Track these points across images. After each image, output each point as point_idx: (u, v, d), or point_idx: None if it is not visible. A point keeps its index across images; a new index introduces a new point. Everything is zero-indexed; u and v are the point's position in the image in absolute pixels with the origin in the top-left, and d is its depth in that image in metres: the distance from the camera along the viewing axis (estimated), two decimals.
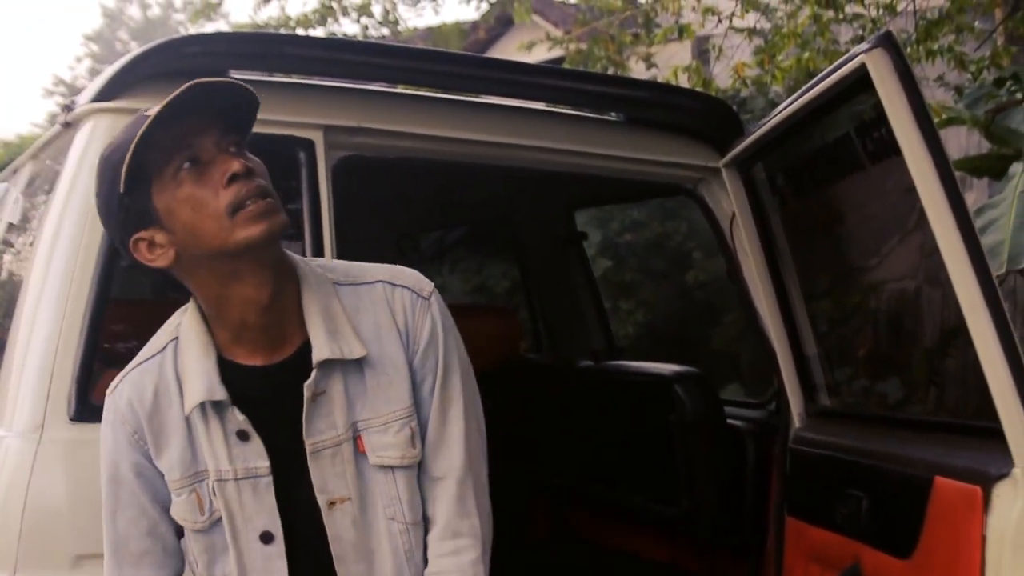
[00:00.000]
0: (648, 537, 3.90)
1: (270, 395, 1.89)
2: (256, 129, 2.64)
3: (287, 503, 1.91)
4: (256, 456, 1.88)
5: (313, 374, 1.87)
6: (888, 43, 2.21)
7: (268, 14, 11.05)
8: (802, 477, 3.03)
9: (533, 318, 4.86)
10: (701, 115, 3.29)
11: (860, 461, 2.72)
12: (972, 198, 7.91)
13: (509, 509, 4.52)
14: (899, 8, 6.32)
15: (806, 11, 6.43)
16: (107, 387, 1.96)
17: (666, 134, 3.31)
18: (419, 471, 1.96)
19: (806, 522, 2.94)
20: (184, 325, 1.91)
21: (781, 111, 2.79)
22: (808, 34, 6.39)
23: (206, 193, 1.77)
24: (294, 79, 2.96)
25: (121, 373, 1.93)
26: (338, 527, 1.90)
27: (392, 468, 1.92)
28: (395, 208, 4.72)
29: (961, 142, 7.83)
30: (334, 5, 10.41)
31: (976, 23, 6.69)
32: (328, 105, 2.86)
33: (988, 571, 2.18)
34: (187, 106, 1.75)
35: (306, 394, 1.86)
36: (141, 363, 1.91)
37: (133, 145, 1.72)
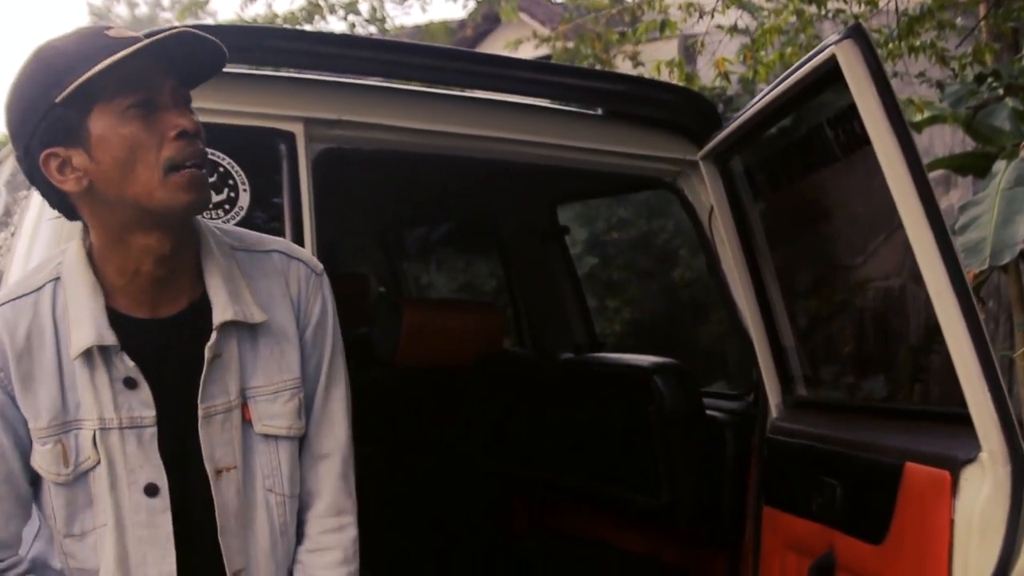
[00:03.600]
0: (628, 528, 3.92)
1: (154, 351, 1.83)
2: (237, 121, 2.70)
3: (174, 464, 1.83)
4: (141, 405, 1.80)
5: (214, 335, 1.83)
6: (858, 34, 2.24)
7: (255, 11, 11.09)
8: (779, 467, 3.06)
9: (516, 312, 4.88)
10: (679, 108, 3.30)
11: (834, 449, 2.75)
12: (957, 196, 7.94)
13: (490, 502, 4.57)
14: (881, 4, 6.35)
15: (789, 6, 6.46)
16: None
17: (645, 127, 3.33)
18: (301, 448, 1.96)
19: (783, 511, 2.97)
20: (68, 266, 1.82)
21: (755, 103, 2.82)
22: (791, 29, 6.41)
23: (149, 139, 1.71)
24: (275, 72, 2.98)
25: None
26: (224, 496, 1.85)
27: (276, 438, 1.89)
28: (377, 202, 4.73)
29: (946, 140, 7.86)
30: (321, 3, 10.42)
31: (958, 20, 6.72)
32: (309, 98, 2.87)
33: (956, 554, 2.21)
34: (160, 48, 1.71)
35: (207, 355, 1.82)
36: (14, 299, 1.80)
37: (99, 68, 1.66)
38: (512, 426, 4.37)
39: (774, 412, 3.14)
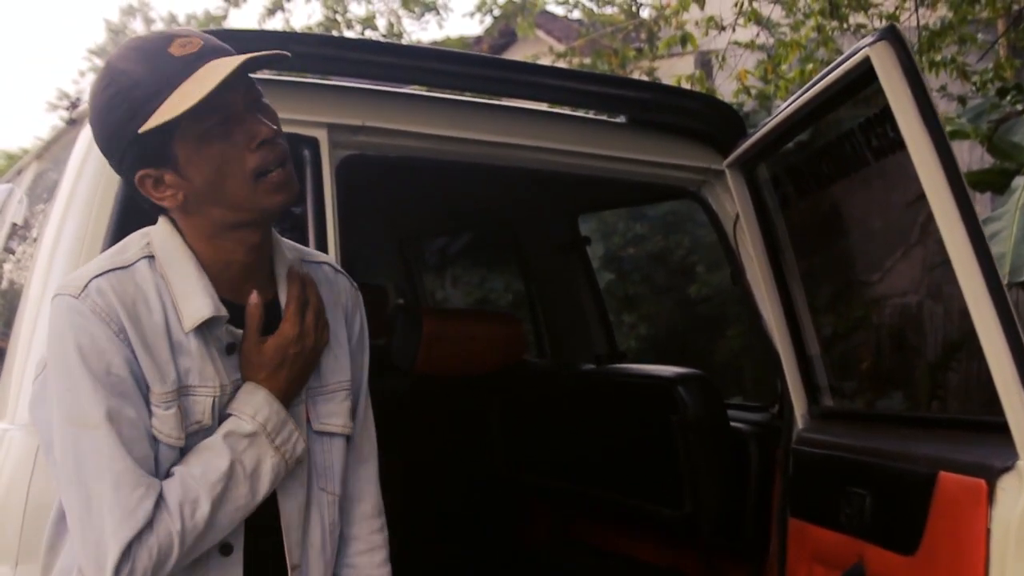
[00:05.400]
0: (649, 541, 3.88)
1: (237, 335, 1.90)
2: None
3: None
4: (237, 369, 1.89)
5: None
6: (892, 36, 2.22)
7: (273, 26, 11.11)
8: (805, 478, 3.02)
9: (536, 323, 4.86)
10: (704, 116, 3.28)
11: (863, 459, 2.72)
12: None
13: (509, 512, 4.54)
14: (902, 19, 6.33)
15: (810, 22, 6.44)
16: None
17: (669, 136, 3.31)
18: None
19: (809, 522, 2.93)
20: (164, 247, 1.87)
21: (784, 109, 2.79)
22: (811, 44, 6.40)
23: (233, 154, 1.78)
24: (299, 77, 2.97)
25: (83, 276, 1.82)
26: (288, 489, 1.91)
27: (332, 436, 1.97)
28: (397, 211, 4.72)
29: (964, 157, 7.83)
30: (338, 18, 10.48)
31: (979, 35, 6.70)
32: (333, 103, 2.86)
33: (993, 564, 2.17)
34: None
35: None
36: (112, 270, 1.83)
37: (175, 115, 1.71)
38: (532, 436, 4.34)
39: (800, 423, 3.10)
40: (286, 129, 2.68)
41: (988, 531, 2.18)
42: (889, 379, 3.26)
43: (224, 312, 1.84)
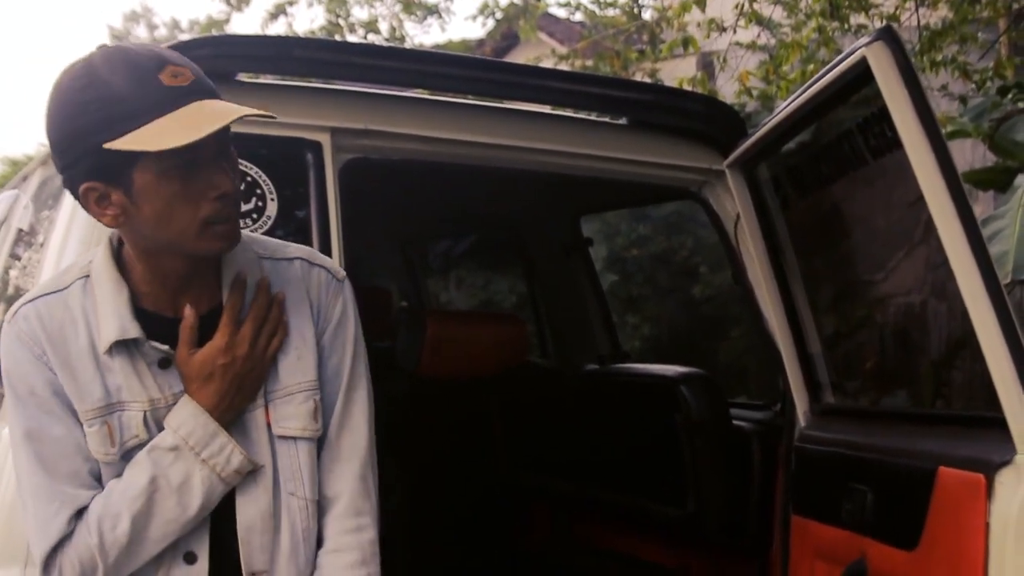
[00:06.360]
0: (653, 540, 3.90)
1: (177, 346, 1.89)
2: (264, 131, 2.71)
3: None
4: (179, 381, 1.87)
5: None
6: (888, 36, 2.23)
7: (275, 31, 11.15)
8: (807, 475, 3.04)
9: (539, 324, 4.87)
10: (704, 117, 3.30)
11: (864, 456, 2.73)
12: (978, 211, 7.88)
13: (513, 514, 4.56)
14: (903, 19, 6.35)
15: (811, 23, 6.46)
16: None
17: (670, 137, 3.33)
18: (322, 450, 1.96)
19: (812, 519, 2.95)
20: (97, 266, 1.89)
21: (783, 109, 2.81)
22: (813, 45, 6.41)
23: (189, 198, 1.76)
24: (302, 82, 2.99)
25: (20, 301, 1.88)
26: (249, 494, 1.89)
27: (295, 440, 1.91)
28: (400, 214, 4.74)
29: (966, 155, 7.83)
30: (341, 22, 10.51)
31: (979, 34, 6.72)
32: (336, 107, 2.88)
33: (992, 558, 2.18)
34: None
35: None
36: (45, 295, 1.88)
37: (155, 150, 1.68)
38: (535, 437, 4.36)
39: (802, 420, 3.12)
40: (290, 133, 2.76)
41: (987, 525, 2.20)
42: (892, 377, 3.27)
43: (134, 334, 1.84)
